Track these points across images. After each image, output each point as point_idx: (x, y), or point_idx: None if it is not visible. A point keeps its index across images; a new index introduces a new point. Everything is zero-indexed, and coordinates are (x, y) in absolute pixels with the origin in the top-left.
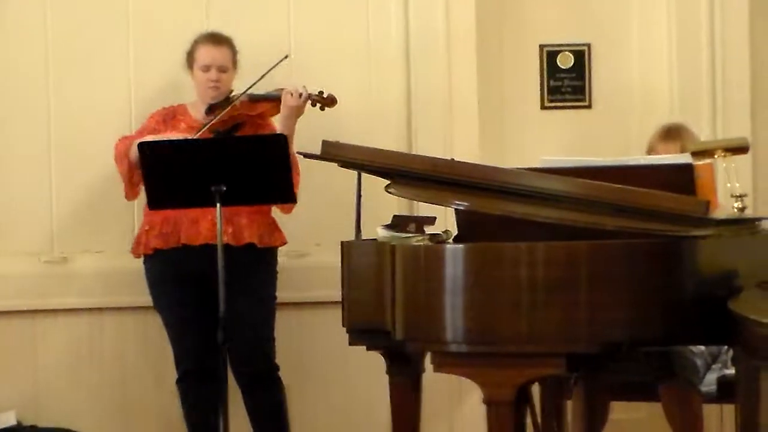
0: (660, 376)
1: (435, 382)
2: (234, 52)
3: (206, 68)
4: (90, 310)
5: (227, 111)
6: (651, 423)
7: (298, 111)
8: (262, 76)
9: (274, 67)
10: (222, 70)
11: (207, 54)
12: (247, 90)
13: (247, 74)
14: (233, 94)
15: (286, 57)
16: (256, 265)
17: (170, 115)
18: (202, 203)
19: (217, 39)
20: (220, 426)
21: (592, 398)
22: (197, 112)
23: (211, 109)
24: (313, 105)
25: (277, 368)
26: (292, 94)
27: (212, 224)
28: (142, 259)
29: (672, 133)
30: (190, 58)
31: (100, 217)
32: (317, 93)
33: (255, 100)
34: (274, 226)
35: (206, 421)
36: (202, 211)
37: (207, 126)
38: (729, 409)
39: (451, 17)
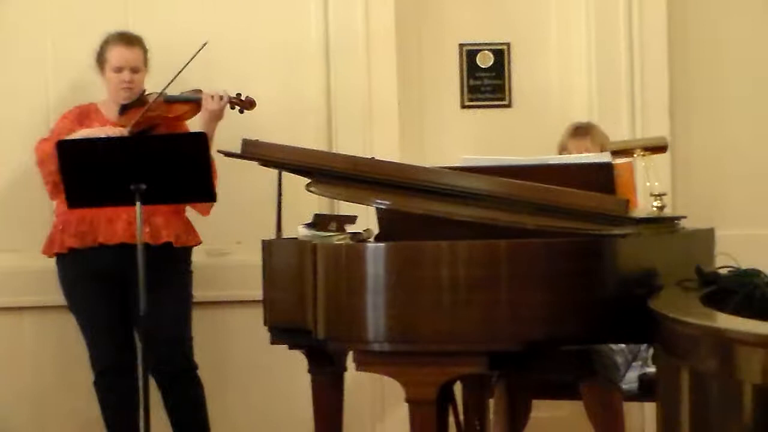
0: (581, 374)
1: (359, 382)
2: (145, 51)
3: (119, 69)
4: (7, 309)
5: (143, 112)
6: (573, 421)
7: (218, 114)
8: (182, 69)
9: (193, 57)
10: (134, 70)
11: (119, 55)
12: (162, 91)
13: (165, 73)
14: (146, 94)
15: (204, 44)
16: (174, 264)
17: (84, 114)
18: (122, 202)
19: (128, 39)
20: (140, 425)
21: (514, 397)
22: (110, 112)
23: (124, 110)
24: (232, 108)
25: (195, 367)
26: (212, 98)
27: (128, 223)
28: (54, 259)
29: (581, 130)
30: (101, 58)
31: (17, 216)
32: (236, 96)
33: (171, 101)
34: (189, 225)
35: (124, 420)
36: (116, 209)
37: (131, 127)
38: (650, 407)
39: (370, 16)
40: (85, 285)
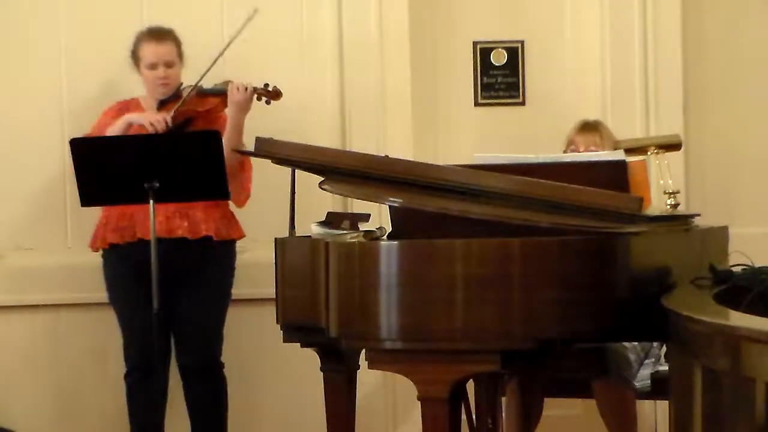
0: (594, 372)
1: (372, 380)
2: (178, 44)
3: (153, 66)
4: (23, 307)
5: (176, 107)
6: (585, 419)
7: (244, 106)
8: (225, 47)
9: (243, 26)
10: (168, 65)
11: (151, 52)
12: (197, 84)
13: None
14: (183, 87)
15: (255, 11)
16: (212, 259)
17: (125, 109)
18: (136, 200)
19: (159, 35)
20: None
21: (527, 395)
22: (149, 107)
23: (162, 105)
24: (259, 99)
25: (221, 365)
26: (238, 89)
27: (166, 218)
28: (100, 254)
29: (589, 126)
30: (135, 56)
31: (32, 214)
32: (263, 86)
33: (204, 94)
34: (232, 219)
35: (148, 416)
36: (156, 205)
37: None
38: (662, 405)
39: (384, 14)
40: (124, 280)
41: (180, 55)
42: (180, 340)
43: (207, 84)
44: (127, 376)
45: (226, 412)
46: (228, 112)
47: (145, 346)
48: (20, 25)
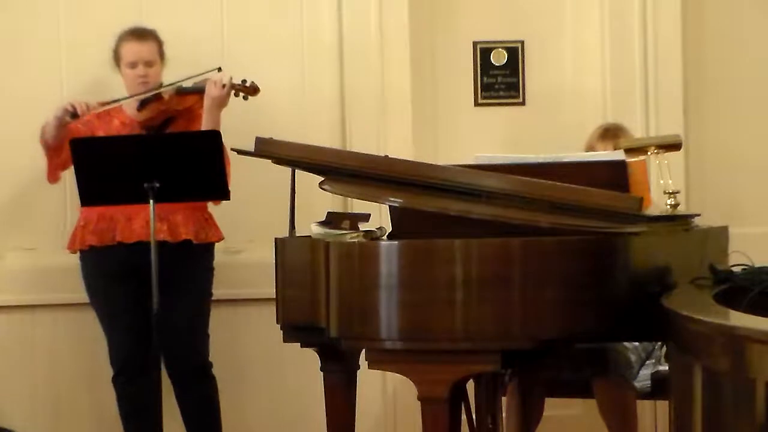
0: (594, 372)
1: (372, 381)
2: (159, 43)
3: (132, 64)
4: (22, 307)
5: (155, 106)
6: (586, 420)
7: (220, 101)
8: (190, 78)
9: (204, 74)
10: (148, 64)
11: (131, 50)
12: (174, 84)
13: (181, 67)
14: (164, 87)
15: (218, 69)
16: (192, 261)
17: (104, 112)
18: (136, 200)
19: (140, 34)
20: (157, 423)
21: (527, 395)
22: (131, 109)
23: (143, 105)
24: (236, 95)
25: (209, 365)
26: (215, 84)
27: (146, 221)
28: (78, 255)
29: (611, 133)
30: (116, 55)
31: (32, 214)
32: (240, 82)
33: (183, 93)
34: (211, 222)
35: (140, 418)
36: (136, 208)
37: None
38: (663, 405)
39: (384, 13)
40: (104, 283)
41: (161, 54)
42: (166, 345)
43: (187, 83)
44: (115, 378)
45: (218, 410)
46: (204, 107)
47: (131, 348)
48: (20, 24)
